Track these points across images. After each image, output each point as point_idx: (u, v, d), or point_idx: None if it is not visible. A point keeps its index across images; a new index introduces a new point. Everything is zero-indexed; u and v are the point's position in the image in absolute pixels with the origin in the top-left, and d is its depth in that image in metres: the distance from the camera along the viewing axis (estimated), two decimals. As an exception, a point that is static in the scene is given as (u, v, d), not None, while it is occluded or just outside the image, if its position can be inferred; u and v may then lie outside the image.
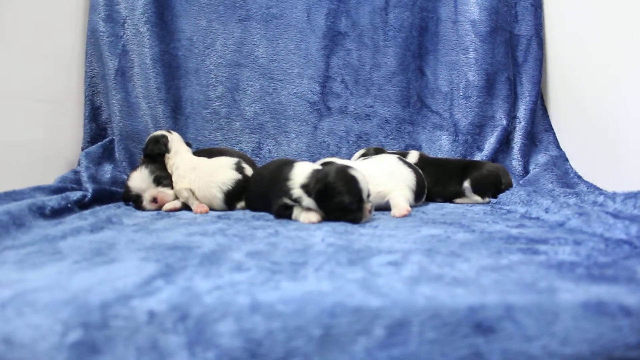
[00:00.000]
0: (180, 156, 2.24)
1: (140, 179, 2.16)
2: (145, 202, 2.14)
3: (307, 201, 1.80)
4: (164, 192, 2.16)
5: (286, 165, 1.93)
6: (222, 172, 2.15)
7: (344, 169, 1.79)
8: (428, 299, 0.88)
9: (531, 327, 0.85)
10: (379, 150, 2.62)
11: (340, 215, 1.78)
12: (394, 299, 0.87)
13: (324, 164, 1.97)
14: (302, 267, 1.07)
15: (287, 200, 1.83)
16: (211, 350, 0.82)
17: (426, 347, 0.83)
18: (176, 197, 2.18)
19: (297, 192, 1.81)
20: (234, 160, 2.23)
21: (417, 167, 2.28)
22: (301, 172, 1.84)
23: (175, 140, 2.29)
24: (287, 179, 1.84)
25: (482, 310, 0.86)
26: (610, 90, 2.50)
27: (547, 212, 1.85)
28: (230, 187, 2.11)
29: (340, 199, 1.74)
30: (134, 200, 2.16)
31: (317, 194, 1.75)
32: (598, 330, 0.86)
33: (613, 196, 1.89)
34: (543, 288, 0.93)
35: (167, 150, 2.25)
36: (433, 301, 0.87)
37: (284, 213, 1.84)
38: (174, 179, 2.20)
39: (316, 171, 1.82)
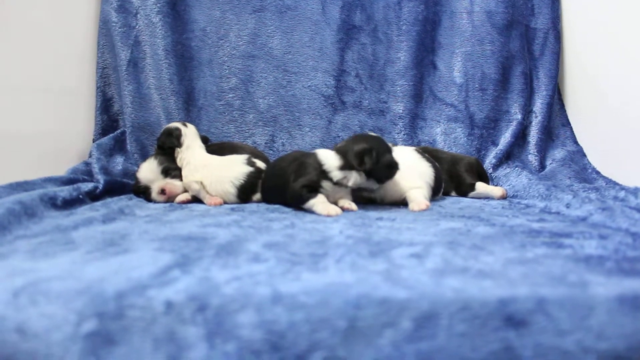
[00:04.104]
0: (191, 151, 2.21)
1: (148, 170, 2.15)
2: (154, 194, 2.12)
3: (354, 178, 1.83)
4: (173, 183, 2.14)
5: (308, 154, 1.95)
6: (234, 167, 2.13)
7: (366, 133, 1.94)
8: (456, 291, 0.84)
9: (564, 321, 0.82)
10: None
11: (387, 175, 1.89)
12: (420, 291, 0.84)
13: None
14: (322, 259, 1.04)
15: (323, 182, 1.83)
16: (231, 342, 0.80)
17: (455, 341, 0.80)
18: (185, 190, 2.15)
19: (337, 174, 1.82)
20: (245, 156, 2.21)
21: (434, 161, 2.22)
22: (330, 156, 1.86)
23: (189, 135, 2.26)
24: (321, 163, 1.84)
25: (513, 303, 0.83)
26: (630, 84, 2.45)
27: (568, 207, 1.81)
28: (242, 182, 2.09)
29: (388, 157, 1.86)
30: (143, 192, 2.15)
31: (373, 164, 1.79)
32: (635, 325, 0.82)
33: (635, 191, 1.85)
34: (574, 281, 0.90)
35: (179, 145, 2.21)
36: (461, 293, 0.84)
37: (305, 195, 1.80)
38: (183, 172, 2.17)
39: (342, 150, 1.85)
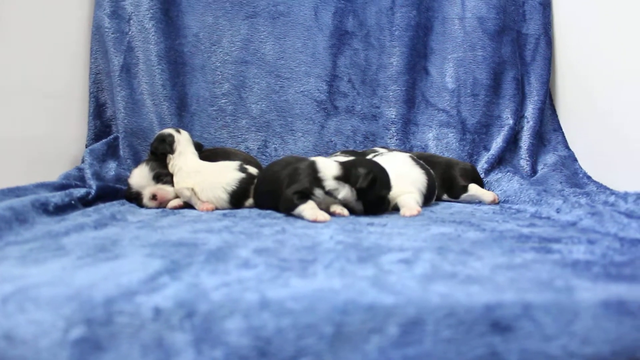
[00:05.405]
0: (184, 158, 2.21)
1: (140, 176, 2.15)
2: (145, 200, 2.12)
3: (345, 192, 1.85)
4: (164, 189, 2.14)
5: (303, 160, 1.96)
6: (226, 174, 2.13)
7: (380, 164, 1.91)
8: (443, 297, 0.85)
9: (550, 326, 0.83)
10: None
11: (374, 208, 1.90)
12: (407, 297, 0.85)
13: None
14: (312, 265, 1.05)
15: (315, 190, 1.83)
16: (219, 348, 0.80)
17: (441, 346, 0.81)
18: (177, 196, 2.15)
19: (331, 183, 1.84)
20: (237, 162, 2.21)
21: (428, 167, 2.22)
22: (329, 165, 1.88)
23: (182, 141, 2.26)
24: (316, 170, 1.86)
25: (499, 309, 0.83)
26: (621, 89, 2.46)
27: (558, 212, 1.82)
28: (234, 187, 2.09)
29: (384, 193, 1.88)
30: (135, 198, 2.15)
31: (366, 186, 1.80)
32: (619, 330, 0.83)
33: (625, 196, 1.86)
34: (560, 287, 0.90)
35: (171, 151, 2.21)
36: (448, 299, 0.84)
37: (296, 201, 1.80)
38: (175, 179, 2.17)
39: (349, 164, 1.88)
